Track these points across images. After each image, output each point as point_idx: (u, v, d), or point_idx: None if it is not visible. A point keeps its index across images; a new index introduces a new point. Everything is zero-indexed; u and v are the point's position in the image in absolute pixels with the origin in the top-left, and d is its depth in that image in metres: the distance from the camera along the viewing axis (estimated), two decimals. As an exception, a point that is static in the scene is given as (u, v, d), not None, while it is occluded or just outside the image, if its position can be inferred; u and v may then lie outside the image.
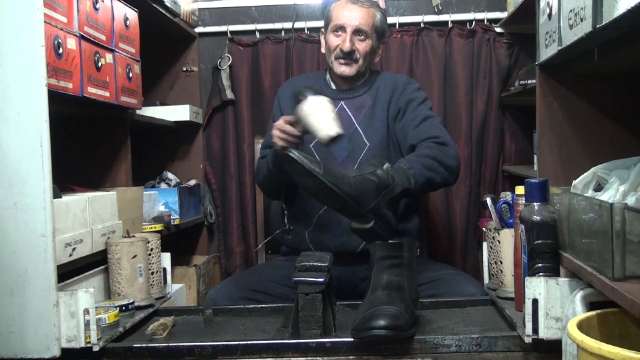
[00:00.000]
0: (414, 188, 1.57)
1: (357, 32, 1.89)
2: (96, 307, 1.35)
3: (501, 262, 1.57)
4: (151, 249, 1.66)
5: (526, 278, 1.28)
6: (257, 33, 2.73)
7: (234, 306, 1.65)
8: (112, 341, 1.37)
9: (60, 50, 1.48)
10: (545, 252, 1.29)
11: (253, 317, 1.61)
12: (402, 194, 1.53)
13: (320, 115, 1.59)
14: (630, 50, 1.16)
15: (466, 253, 2.68)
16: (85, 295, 1.29)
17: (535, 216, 1.29)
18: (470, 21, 2.65)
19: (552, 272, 1.29)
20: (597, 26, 1.08)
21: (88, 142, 1.97)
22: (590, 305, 1.16)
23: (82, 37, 1.60)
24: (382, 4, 2.67)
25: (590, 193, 1.32)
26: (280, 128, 1.68)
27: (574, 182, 1.38)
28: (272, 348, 1.32)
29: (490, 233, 1.62)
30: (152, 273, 1.66)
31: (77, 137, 1.94)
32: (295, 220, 1.95)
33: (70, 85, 1.53)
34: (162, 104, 2.57)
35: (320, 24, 2.14)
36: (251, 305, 1.65)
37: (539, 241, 1.29)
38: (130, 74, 1.91)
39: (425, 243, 2.38)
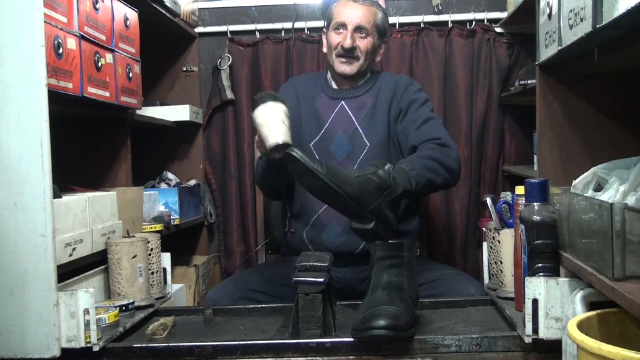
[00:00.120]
0: (415, 189, 1.57)
1: (358, 29, 1.89)
2: (96, 307, 1.34)
3: (501, 262, 1.57)
4: (151, 249, 1.66)
5: (526, 278, 1.28)
6: (257, 33, 2.73)
7: (234, 306, 1.65)
8: (112, 341, 1.37)
9: (60, 50, 1.48)
10: (545, 252, 1.29)
11: (253, 317, 1.61)
12: (403, 195, 1.53)
13: (266, 123, 1.53)
14: (630, 50, 1.16)
15: (466, 253, 2.68)
16: (85, 295, 1.29)
17: (535, 216, 1.29)
18: (470, 21, 2.65)
19: (552, 272, 1.29)
20: (597, 26, 1.08)
21: (88, 142, 1.97)
22: (590, 305, 1.16)
23: (82, 37, 1.60)
24: (382, 4, 2.68)
25: (590, 193, 1.32)
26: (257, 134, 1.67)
27: (574, 182, 1.38)
28: (272, 348, 1.32)
29: (490, 233, 1.62)
30: (152, 273, 1.66)
31: (77, 137, 1.94)
32: (294, 220, 1.95)
33: (70, 85, 1.53)
34: (162, 104, 2.57)
35: (320, 24, 2.14)
36: (251, 305, 1.65)
37: (539, 241, 1.29)
38: (130, 74, 1.91)
39: (426, 243, 2.38)
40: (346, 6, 1.91)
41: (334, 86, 1.99)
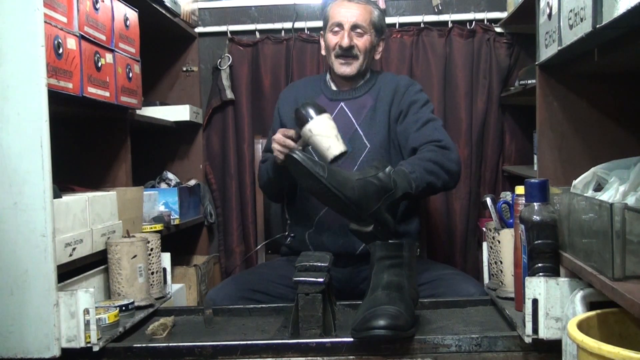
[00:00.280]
0: (415, 192, 1.58)
1: (355, 28, 1.90)
2: (96, 307, 1.34)
3: (501, 262, 1.57)
4: (151, 249, 1.66)
5: (526, 278, 1.27)
6: (257, 33, 2.73)
7: (234, 306, 1.65)
8: (112, 341, 1.37)
9: (60, 50, 1.48)
10: (545, 252, 1.29)
11: (253, 317, 1.61)
12: (402, 198, 1.54)
13: (325, 135, 1.58)
14: (630, 50, 1.16)
15: (466, 253, 2.68)
16: (85, 295, 1.29)
17: (535, 216, 1.29)
18: (470, 21, 2.65)
19: (552, 272, 1.29)
20: (597, 26, 1.08)
21: (88, 142, 1.97)
22: (590, 305, 1.16)
23: (82, 37, 1.60)
24: (382, 4, 2.68)
25: (590, 193, 1.32)
26: (281, 142, 1.66)
27: (574, 182, 1.38)
28: (272, 348, 1.32)
29: (490, 233, 1.62)
30: (152, 273, 1.66)
31: (77, 137, 1.94)
32: (295, 221, 1.95)
33: (70, 85, 1.53)
34: (162, 104, 2.57)
35: (320, 24, 2.14)
36: (251, 305, 1.65)
37: (539, 241, 1.29)
38: (130, 74, 1.91)
39: (425, 243, 2.38)
40: (341, 6, 1.92)
41: (334, 87, 1.99)
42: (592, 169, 1.35)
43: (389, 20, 2.69)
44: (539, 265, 1.29)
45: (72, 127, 1.91)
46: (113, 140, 1.98)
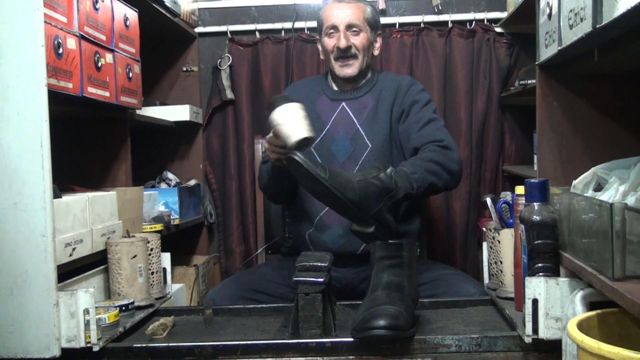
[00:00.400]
0: (416, 192, 1.58)
1: (349, 27, 1.90)
2: (96, 307, 1.34)
3: (501, 262, 1.57)
4: (151, 249, 1.66)
5: (526, 278, 1.27)
6: (257, 33, 2.73)
7: (234, 306, 1.65)
8: (112, 341, 1.37)
9: (60, 50, 1.48)
10: (545, 252, 1.29)
11: (253, 317, 1.61)
12: (404, 199, 1.54)
13: (287, 122, 1.54)
14: (630, 50, 1.16)
15: (466, 253, 2.68)
16: (85, 295, 1.29)
17: (535, 216, 1.29)
18: (470, 21, 2.65)
19: (552, 272, 1.29)
20: (597, 26, 1.08)
21: (88, 142, 1.97)
22: (590, 305, 1.16)
23: (82, 37, 1.60)
24: (382, 4, 2.68)
25: (590, 193, 1.32)
26: (268, 141, 1.67)
27: (574, 182, 1.38)
28: (272, 348, 1.32)
29: (490, 233, 1.62)
30: (152, 273, 1.66)
31: (77, 137, 1.94)
32: (296, 221, 1.95)
33: (70, 85, 1.53)
34: (162, 104, 2.57)
35: (320, 23, 2.14)
36: (251, 305, 1.65)
37: (539, 241, 1.29)
38: (130, 74, 1.91)
39: (426, 243, 2.38)
40: (333, 8, 1.93)
41: (335, 87, 1.99)
42: (592, 169, 1.35)
43: (389, 20, 2.70)
44: (539, 265, 1.29)
45: (72, 127, 1.91)
46: (113, 140, 1.98)
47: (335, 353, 1.31)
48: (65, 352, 1.29)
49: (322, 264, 1.40)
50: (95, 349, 1.30)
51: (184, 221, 2.44)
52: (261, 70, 2.71)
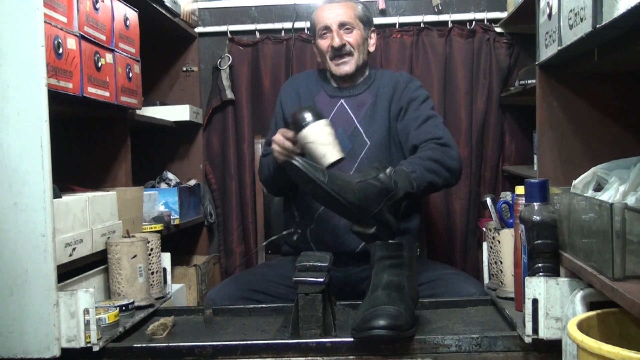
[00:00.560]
0: (416, 191, 1.58)
1: (342, 26, 1.91)
2: (96, 307, 1.34)
3: (501, 262, 1.57)
4: (151, 249, 1.66)
5: (526, 278, 1.28)
6: (257, 33, 2.73)
7: (234, 306, 1.65)
8: (112, 341, 1.37)
9: (60, 50, 1.48)
10: (545, 252, 1.29)
11: (253, 317, 1.61)
12: (404, 198, 1.54)
13: (321, 142, 1.58)
14: (630, 50, 1.16)
15: (466, 253, 2.68)
16: (85, 295, 1.29)
17: (535, 216, 1.29)
18: (470, 21, 2.65)
19: (552, 272, 1.29)
20: (597, 26, 1.08)
21: (88, 142, 1.97)
22: (590, 305, 1.16)
23: (82, 37, 1.60)
24: (382, 4, 2.68)
25: (590, 193, 1.32)
26: (280, 143, 1.66)
27: (574, 182, 1.38)
28: (272, 348, 1.32)
29: (490, 233, 1.62)
30: (152, 273, 1.66)
31: (77, 137, 1.94)
32: (297, 219, 1.95)
33: (70, 85, 1.53)
34: (162, 104, 2.57)
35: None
36: (251, 305, 1.65)
37: (539, 241, 1.29)
38: (130, 74, 1.91)
39: (426, 243, 2.38)
40: (324, 10, 1.95)
41: (334, 84, 1.99)
42: (592, 169, 1.35)
43: (389, 20, 2.69)
44: (539, 265, 1.29)
45: (72, 127, 1.91)
46: (113, 140, 1.98)
47: (335, 353, 1.31)
48: (65, 352, 1.29)
49: (322, 264, 1.40)
50: (95, 349, 1.30)
51: (184, 221, 2.44)
52: (261, 70, 2.71)
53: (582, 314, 1.12)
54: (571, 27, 1.24)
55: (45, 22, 1.32)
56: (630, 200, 1.14)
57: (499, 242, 1.58)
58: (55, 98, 1.42)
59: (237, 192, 2.75)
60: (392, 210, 1.50)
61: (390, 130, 1.90)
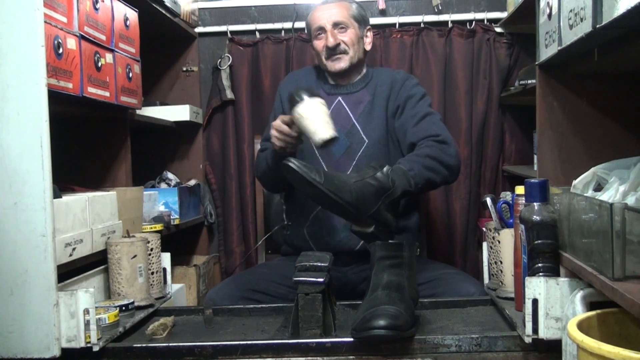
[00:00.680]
0: (414, 189, 1.58)
1: (336, 26, 1.92)
2: (96, 307, 1.34)
3: (501, 262, 1.57)
4: (151, 249, 1.66)
5: (526, 278, 1.28)
6: (257, 33, 2.73)
7: (234, 306, 1.65)
8: (112, 341, 1.37)
9: (60, 50, 1.48)
10: (545, 252, 1.29)
11: (253, 317, 1.61)
12: (402, 196, 1.54)
13: (314, 118, 1.58)
14: (630, 50, 1.16)
15: (466, 253, 2.68)
16: (85, 295, 1.29)
17: (535, 216, 1.29)
18: (470, 21, 2.65)
19: (552, 272, 1.29)
20: (597, 26, 1.08)
21: (88, 142, 1.97)
22: (590, 305, 1.16)
23: (82, 37, 1.60)
24: (382, 4, 2.68)
25: (590, 193, 1.32)
26: (277, 128, 1.67)
27: (574, 182, 1.38)
28: (272, 348, 1.32)
29: (490, 233, 1.62)
30: (152, 273, 1.66)
31: (77, 137, 1.94)
32: (294, 216, 1.95)
33: (70, 85, 1.53)
34: (162, 104, 2.57)
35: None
36: (251, 305, 1.65)
37: (539, 241, 1.29)
38: (130, 74, 1.91)
39: (425, 243, 2.38)
40: (318, 11, 1.96)
41: (331, 82, 2.00)
42: (592, 169, 1.35)
43: (389, 20, 2.69)
44: (539, 265, 1.29)
45: (72, 127, 1.91)
46: (113, 140, 1.98)
47: (335, 353, 1.31)
48: (65, 352, 1.29)
49: (322, 264, 1.40)
50: (95, 349, 1.30)
51: (184, 221, 2.44)
52: (261, 70, 2.71)
53: (582, 314, 1.12)
54: (571, 27, 1.24)
55: (45, 22, 1.32)
56: (630, 200, 1.14)
57: (499, 242, 1.58)
58: (55, 98, 1.42)
59: (237, 192, 2.75)
60: (391, 209, 1.51)
61: (388, 128, 1.90)
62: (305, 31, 2.07)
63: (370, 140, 1.89)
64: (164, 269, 1.74)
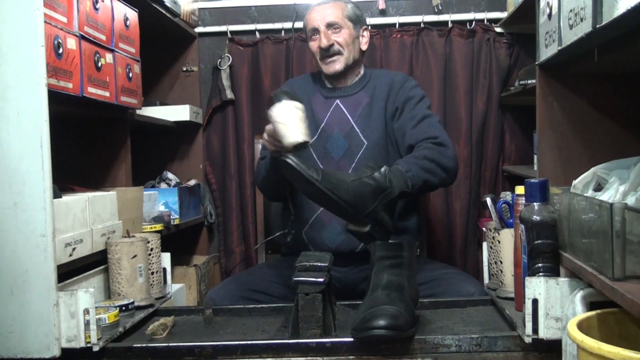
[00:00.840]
0: (412, 190, 1.58)
1: (329, 26, 1.92)
2: (96, 307, 1.34)
3: (501, 262, 1.57)
4: (151, 249, 1.66)
5: (526, 278, 1.27)
6: (257, 33, 2.73)
7: (234, 306, 1.65)
8: (112, 341, 1.37)
9: (60, 50, 1.48)
10: (545, 252, 1.29)
11: (253, 317, 1.61)
12: (399, 197, 1.54)
13: (285, 121, 1.52)
14: (630, 50, 1.16)
15: (466, 253, 2.68)
16: (85, 295, 1.29)
17: (535, 216, 1.29)
18: (470, 21, 2.65)
19: (552, 272, 1.29)
20: (597, 26, 1.08)
21: (88, 142, 1.97)
22: (590, 305, 1.16)
23: (82, 37, 1.60)
24: (382, 4, 2.68)
25: (590, 193, 1.32)
26: (267, 132, 1.67)
27: (574, 182, 1.38)
28: (272, 348, 1.32)
29: (490, 233, 1.62)
30: (152, 273, 1.66)
31: (77, 137, 1.94)
32: (296, 218, 1.95)
33: (70, 85, 1.53)
34: (162, 104, 2.57)
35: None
36: (251, 305, 1.65)
37: (539, 241, 1.29)
38: (130, 74, 1.91)
39: (425, 243, 2.38)
40: (312, 12, 1.96)
41: (329, 85, 2.00)
42: (592, 169, 1.35)
43: (389, 20, 2.70)
44: (539, 265, 1.29)
45: (72, 127, 1.91)
46: (113, 140, 1.98)
47: (335, 353, 1.31)
48: (65, 352, 1.29)
49: (322, 264, 1.40)
50: (95, 349, 1.30)
51: (184, 221, 2.44)
52: (261, 70, 2.71)
53: (582, 314, 1.12)
54: (571, 27, 1.24)
55: (45, 22, 1.32)
56: (630, 200, 1.14)
57: (499, 242, 1.58)
58: (55, 98, 1.42)
59: (237, 192, 2.75)
60: (388, 209, 1.51)
61: (386, 130, 1.90)
62: (303, 32, 2.08)
63: (370, 143, 1.89)
64: (164, 269, 1.74)
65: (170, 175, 2.62)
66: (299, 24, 2.70)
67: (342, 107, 1.94)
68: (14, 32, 1.26)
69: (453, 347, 1.31)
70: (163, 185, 2.54)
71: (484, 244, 1.72)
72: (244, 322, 1.58)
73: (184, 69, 2.78)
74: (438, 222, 2.66)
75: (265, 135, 1.68)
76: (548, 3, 1.43)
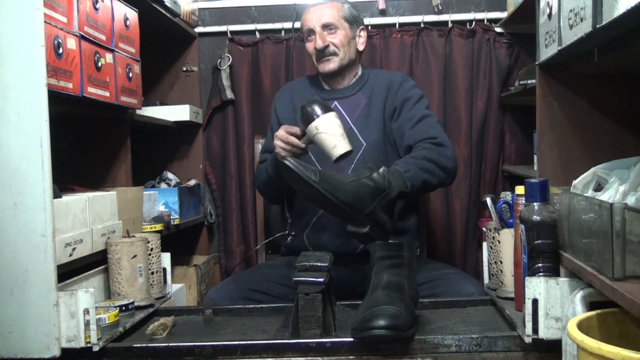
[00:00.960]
0: (411, 191, 1.58)
1: (325, 28, 1.93)
2: (96, 307, 1.34)
3: (501, 262, 1.57)
4: (151, 249, 1.66)
5: (526, 278, 1.27)
6: (257, 33, 2.73)
7: (234, 306, 1.65)
8: (112, 341, 1.37)
9: (60, 50, 1.48)
10: (545, 252, 1.29)
11: (253, 317, 1.61)
12: (398, 197, 1.54)
13: (332, 133, 1.62)
14: (630, 50, 1.16)
15: (466, 253, 2.68)
16: (85, 295, 1.29)
17: (535, 216, 1.29)
18: (470, 21, 2.65)
19: (552, 272, 1.29)
20: (597, 26, 1.08)
21: (88, 142, 1.97)
22: (590, 305, 1.16)
23: (82, 37, 1.60)
24: (382, 4, 2.68)
25: (590, 193, 1.32)
26: (284, 139, 1.68)
27: (574, 182, 1.38)
28: (272, 348, 1.32)
29: (490, 233, 1.62)
30: (152, 273, 1.66)
31: (77, 137, 1.94)
32: (295, 220, 1.95)
33: (70, 85, 1.53)
34: (162, 104, 2.57)
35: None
36: (251, 305, 1.65)
37: (539, 241, 1.29)
38: (130, 74, 1.91)
39: (425, 243, 2.38)
40: (308, 13, 1.97)
41: (326, 87, 2.00)
42: (592, 169, 1.35)
43: (389, 20, 2.70)
44: (539, 265, 1.29)
45: (72, 127, 1.91)
46: (113, 140, 1.98)
47: (335, 353, 1.31)
48: (65, 352, 1.29)
49: (322, 264, 1.40)
50: (95, 349, 1.30)
51: (184, 221, 2.44)
52: (261, 70, 2.71)
53: (582, 314, 1.12)
54: (571, 27, 1.24)
55: (45, 22, 1.32)
56: (630, 200, 1.14)
57: (499, 242, 1.58)
58: (55, 98, 1.42)
59: (237, 192, 2.75)
60: (386, 210, 1.51)
61: (385, 131, 1.90)
62: (301, 32, 2.08)
63: (368, 144, 1.89)
64: (164, 269, 1.74)
65: (170, 175, 2.62)
66: (299, 24, 2.69)
67: (340, 109, 1.94)
68: (14, 32, 1.26)
69: (453, 347, 1.31)
70: (163, 185, 2.54)
71: (484, 244, 1.72)
72: (244, 322, 1.58)
73: (184, 69, 2.78)
74: (438, 222, 2.66)
75: (280, 143, 1.69)
76: (548, 3, 1.43)
